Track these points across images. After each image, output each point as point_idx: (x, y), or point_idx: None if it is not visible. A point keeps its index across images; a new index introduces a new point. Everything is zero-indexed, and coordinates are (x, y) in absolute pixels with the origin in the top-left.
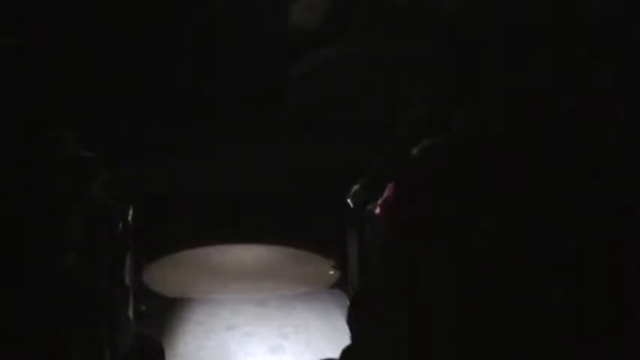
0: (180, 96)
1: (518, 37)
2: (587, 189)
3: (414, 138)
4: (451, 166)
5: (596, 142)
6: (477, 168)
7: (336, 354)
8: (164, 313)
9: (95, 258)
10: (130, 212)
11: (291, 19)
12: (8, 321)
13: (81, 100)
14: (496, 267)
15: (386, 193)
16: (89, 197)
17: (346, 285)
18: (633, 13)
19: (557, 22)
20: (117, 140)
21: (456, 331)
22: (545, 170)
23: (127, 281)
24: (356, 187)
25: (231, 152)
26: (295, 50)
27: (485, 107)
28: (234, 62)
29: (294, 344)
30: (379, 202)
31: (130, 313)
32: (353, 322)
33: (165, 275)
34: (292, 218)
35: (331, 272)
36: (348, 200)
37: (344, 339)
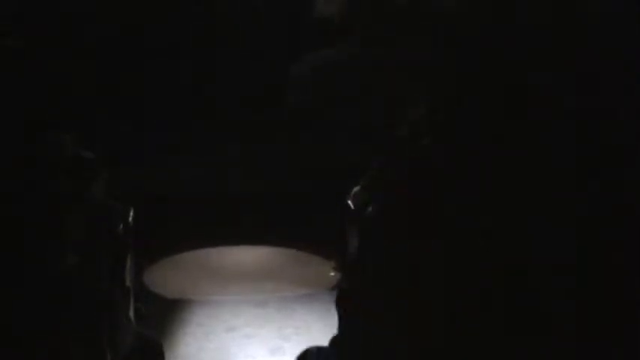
0: (180, 96)
1: (518, 37)
2: (587, 189)
3: (414, 138)
4: (451, 166)
5: (596, 142)
6: (476, 168)
7: None
8: (164, 315)
9: (96, 259)
10: (131, 213)
11: (314, 11)
12: (8, 321)
13: (81, 100)
14: (496, 267)
15: (386, 194)
16: (90, 198)
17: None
18: (633, 13)
19: (557, 22)
20: (117, 140)
21: (454, 331)
22: (545, 170)
23: (128, 282)
24: (356, 188)
25: (231, 152)
26: (295, 50)
27: (485, 107)
28: (234, 62)
29: (295, 346)
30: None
31: (131, 314)
32: (340, 307)
33: (166, 277)
34: (293, 219)
35: (332, 274)
36: (349, 202)
37: None
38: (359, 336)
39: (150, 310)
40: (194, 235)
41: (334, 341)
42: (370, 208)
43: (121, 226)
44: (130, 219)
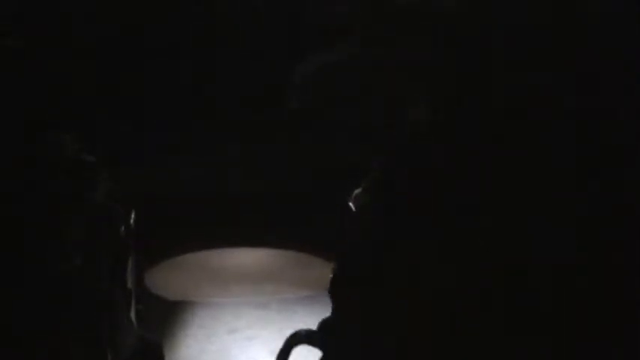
0: (180, 96)
1: (519, 37)
2: (587, 189)
3: (414, 138)
4: (451, 166)
5: (596, 142)
6: (476, 168)
7: None
8: (166, 317)
9: (97, 260)
10: (132, 215)
11: (314, 11)
12: (8, 321)
13: (81, 100)
14: (496, 267)
15: (386, 194)
16: (90, 199)
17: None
18: (633, 13)
19: (557, 22)
20: (117, 140)
21: (454, 331)
22: (545, 170)
23: (129, 284)
24: (358, 190)
25: (231, 152)
26: (296, 50)
27: (485, 107)
28: (234, 62)
29: (296, 347)
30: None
31: (132, 315)
32: (334, 293)
33: (167, 278)
34: (293, 219)
35: (332, 275)
36: (350, 204)
37: None
38: (349, 323)
39: (151, 312)
40: (194, 237)
41: (323, 325)
42: (371, 210)
43: (122, 228)
44: (131, 221)
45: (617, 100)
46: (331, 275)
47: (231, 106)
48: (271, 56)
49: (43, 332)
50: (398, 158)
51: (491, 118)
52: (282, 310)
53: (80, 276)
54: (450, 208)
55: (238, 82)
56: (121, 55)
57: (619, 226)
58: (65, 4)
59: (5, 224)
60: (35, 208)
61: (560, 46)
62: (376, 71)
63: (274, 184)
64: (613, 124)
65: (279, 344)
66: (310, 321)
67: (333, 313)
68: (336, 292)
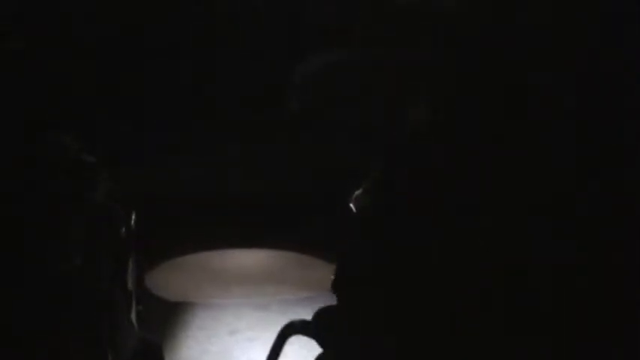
0: (180, 96)
1: (519, 37)
2: (587, 189)
3: (415, 138)
4: (451, 166)
5: (596, 142)
6: (476, 168)
7: None
8: (167, 318)
9: (97, 261)
10: (133, 216)
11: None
12: (8, 321)
13: (81, 100)
14: (496, 267)
15: (387, 195)
16: (91, 200)
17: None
18: (633, 13)
19: (558, 22)
20: (117, 140)
21: (454, 331)
22: (545, 170)
23: (130, 285)
24: (358, 191)
25: (231, 152)
26: (296, 50)
27: (485, 107)
28: (234, 62)
29: (297, 349)
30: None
31: (133, 316)
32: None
33: (168, 280)
34: (293, 220)
35: (333, 277)
36: (351, 205)
37: None
38: (350, 323)
39: (152, 313)
40: (195, 238)
41: (317, 316)
42: (371, 210)
43: (123, 228)
44: (132, 222)
45: (617, 100)
46: (333, 277)
47: (231, 106)
48: (271, 56)
49: (42, 333)
50: (398, 158)
51: (491, 118)
52: (283, 312)
53: (80, 276)
54: (450, 208)
55: (238, 82)
56: (121, 55)
57: (619, 226)
58: (65, 4)
59: (5, 224)
60: (35, 208)
61: (560, 46)
62: (376, 71)
63: (274, 184)
64: (613, 124)
65: None
66: None
67: (333, 309)
68: (338, 291)
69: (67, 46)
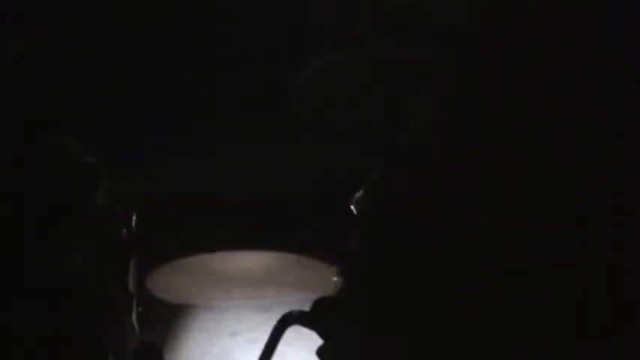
0: (181, 96)
1: (519, 37)
2: (587, 189)
3: (415, 139)
4: (451, 166)
5: (596, 142)
6: (476, 168)
7: None
8: (167, 320)
9: (97, 262)
10: (134, 218)
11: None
12: (7, 322)
13: (81, 100)
14: (496, 267)
15: (387, 195)
16: (91, 201)
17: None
18: (633, 13)
19: (558, 21)
20: (117, 140)
21: (453, 331)
22: (545, 170)
23: (131, 287)
24: (359, 193)
25: (231, 152)
26: (296, 50)
27: (485, 107)
28: (234, 62)
29: (298, 351)
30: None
31: (134, 319)
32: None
33: (169, 282)
34: (294, 221)
35: (335, 279)
36: (352, 207)
37: None
38: (350, 323)
39: (153, 315)
40: (195, 239)
41: (315, 305)
42: (372, 211)
43: (124, 230)
44: (133, 224)
45: (617, 100)
46: (335, 279)
47: (231, 106)
48: (271, 56)
49: (42, 334)
50: (398, 158)
51: (491, 118)
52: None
53: (80, 277)
54: (449, 208)
55: (238, 82)
56: (121, 55)
57: (619, 226)
58: (65, 4)
59: (5, 224)
60: (35, 208)
61: (560, 46)
62: (376, 71)
63: (274, 184)
64: (613, 124)
65: (280, 348)
66: None
67: (332, 300)
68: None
69: (67, 46)
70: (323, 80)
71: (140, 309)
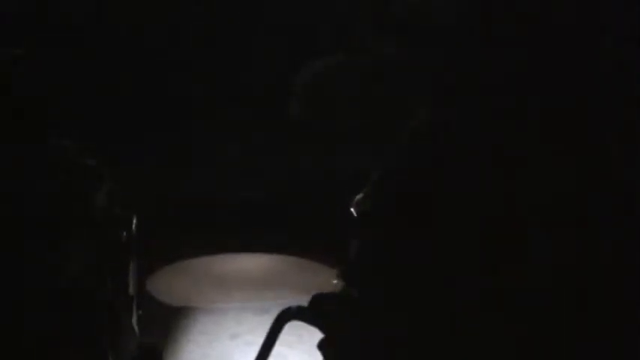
0: (180, 96)
1: (518, 37)
2: (587, 189)
3: (415, 139)
4: (451, 167)
5: (596, 142)
6: (476, 168)
7: None
8: (167, 322)
9: (97, 264)
10: (134, 221)
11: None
12: (7, 323)
13: (81, 100)
14: (496, 267)
15: (387, 196)
16: (92, 202)
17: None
18: (633, 13)
19: (558, 22)
20: (117, 140)
21: (453, 331)
22: (545, 170)
23: (131, 290)
24: (359, 195)
25: (231, 152)
26: (296, 50)
27: (485, 107)
28: (234, 62)
29: (299, 354)
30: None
31: (134, 321)
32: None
33: (169, 284)
34: (294, 223)
35: (335, 281)
36: (352, 209)
37: None
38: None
39: (153, 318)
40: (195, 241)
41: (314, 300)
42: (372, 212)
43: (124, 232)
44: (134, 227)
45: (617, 100)
46: (335, 281)
47: (231, 106)
48: (271, 56)
49: (42, 336)
50: (398, 158)
51: (491, 118)
52: None
53: (80, 279)
54: (449, 208)
55: (238, 82)
56: (121, 55)
57: (619, 226)
58: (65, 4)
59: (5, 224)
60: (35, 208)
61: (560, 46)
62: (376, 71)
63: (274, 184)
64: (613, 124)
65: (280, 350)
66: (312, 327)
67: (331, 295)
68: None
69: (67, 46)
70: (323, 80)
71: (140, 312)
